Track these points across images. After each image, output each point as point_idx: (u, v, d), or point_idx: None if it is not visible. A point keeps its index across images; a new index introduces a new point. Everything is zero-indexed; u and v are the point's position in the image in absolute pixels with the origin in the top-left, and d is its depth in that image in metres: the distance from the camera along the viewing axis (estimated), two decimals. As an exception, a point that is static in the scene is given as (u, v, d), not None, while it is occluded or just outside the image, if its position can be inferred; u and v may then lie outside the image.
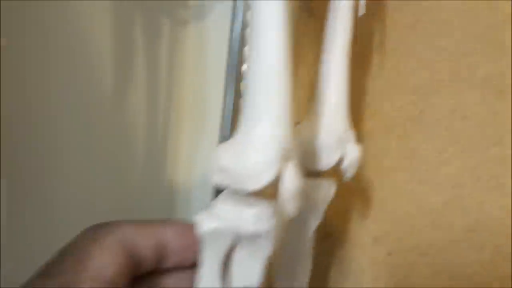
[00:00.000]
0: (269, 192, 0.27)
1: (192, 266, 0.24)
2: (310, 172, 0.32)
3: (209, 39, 0.45)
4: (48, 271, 0.20)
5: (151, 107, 0.42)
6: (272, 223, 0.24)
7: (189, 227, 0.24)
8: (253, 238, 0.24)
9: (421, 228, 0.41)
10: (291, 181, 0.23)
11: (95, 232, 0.22)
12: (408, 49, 0.39)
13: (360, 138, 0.34)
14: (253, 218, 0.24)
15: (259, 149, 0.23)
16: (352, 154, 0.31)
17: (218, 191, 0.26)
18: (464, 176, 0.39)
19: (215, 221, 0.24)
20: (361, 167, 0.34)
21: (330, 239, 0.43)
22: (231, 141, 0.24)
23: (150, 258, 0.23)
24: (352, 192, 0.42)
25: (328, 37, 0.33)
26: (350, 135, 0.32)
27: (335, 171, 0.33)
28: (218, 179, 0.24)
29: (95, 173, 0.39)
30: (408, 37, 0.39)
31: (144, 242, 0.22)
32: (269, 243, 0.24)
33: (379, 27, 0.40)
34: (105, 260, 0.21)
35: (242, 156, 0.23)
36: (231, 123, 0.43)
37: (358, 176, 0.38)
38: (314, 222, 0.32)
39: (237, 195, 0.25)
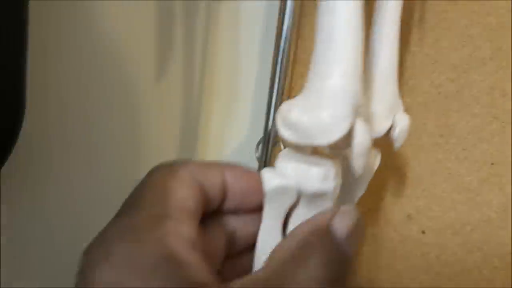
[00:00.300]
0: (330, 152, 0.26)
1: (249, 212, 0.24)
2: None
3: (245, 14, 0.44)
4: (134, 205, 0.19)
5: (187, 83, 0.41)
6: (337, 182, 0.24)
7: (249, 172, 0.24)
8: (316, 197, 0.24)
9: (456, 207, 0.41)
10: (363, 136, 0.22)
11: (170, 168, 0.21)
12: (449, 25, 0.39)
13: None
14: (319, 176, 0.23)
15: (331, 103, 0.22)
16: (402, 122, 0.31)
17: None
18: (502, 154, 0.39)
19: (281, 178, 0.23)
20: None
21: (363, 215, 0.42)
22: (298, 97, 0.24)
23: (216, 197, 0.22)
24: (387, 168, 0.42)
25: (378, 10, 0.32)
26: (400, 103, 0.32)
27: (380, 140, 0.33)
28: (285, 135, 0.23)
29: (129, 150, 0.38)
30: (450, 13, 0.39)
31: (212, 180, 0.22)
32: (330, 203, 0.24)
33: (420, 2, 0.40)
34: (186, 194, 0.20)
35: (313, 111, 0.22)
36: (267, 103, 0.42)
37: (394, 152, 0.37)
38: (359, 192, 0.32)
39: (301, 153, 0.24)
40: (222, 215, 0.24)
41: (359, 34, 0.23)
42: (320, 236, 0.20)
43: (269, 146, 0.41)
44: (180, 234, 0.19)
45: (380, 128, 0.30)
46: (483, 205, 0.40)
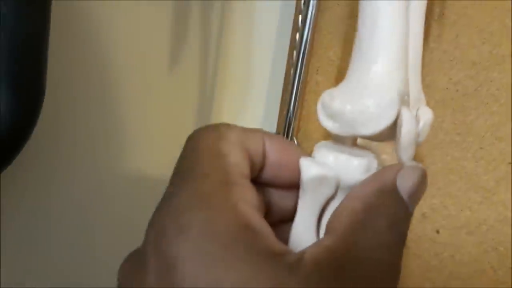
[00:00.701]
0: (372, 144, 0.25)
1: (284, 186, 0.23)
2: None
3: (261, 7, 0.43)
4: (194, 171, 0.18)
5: (197, 81, 0.40)
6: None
7: (289, 144, 0.22)
8: None
9: (472, 206, 0.40)
10: (410, 124, 0.21)
11: (219, 131, 0.20)
12: (469, 22, 0.38)
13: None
14: (361, 168, 0.22)
15: (376, 90, 0.21)
16: (426, 116, 0.30)
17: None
18: (520, 154, 0.39)
19: (321, 168, 0.22)
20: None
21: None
22: (340, 84, 0.23)
23: (258, 164, 0.21)
24: (403, 166, 0.41)
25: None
26: (423, 97, 0.31)
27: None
28: (328, 126, 0.22)
29: (141, 144, 0.37)
30: (469, 9, 0.38)
31: (255, 146, 0.21)
32: None
33: (440, -2, 0.39)
34: (240, 158, 0.19)
35: (357, 99, 0.21)
36: (281, 98, 0.41)
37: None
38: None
39: (340, 144, 0.23)
40: (258, 185, 0.22)
41: (404, 21, 0.23)
42: (386, 197, 0.19)
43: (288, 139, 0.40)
44: (249, 201, 0.17)
45: None
46: (499, 204, 0.39)
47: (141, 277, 0.16)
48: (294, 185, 0.22)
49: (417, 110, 0.31)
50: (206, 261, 0.15)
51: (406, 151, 0.21)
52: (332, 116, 0.22)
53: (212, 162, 0.18)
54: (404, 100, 0.22)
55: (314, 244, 0.18)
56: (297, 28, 0.40)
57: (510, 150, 0.38)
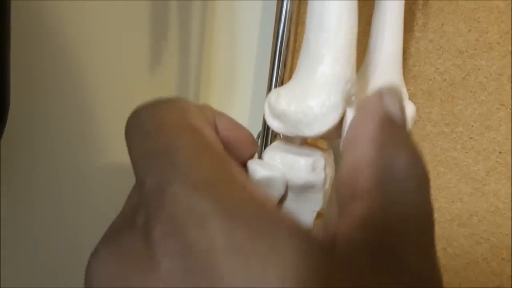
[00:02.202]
0: (320, 144, 0.25)
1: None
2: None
3: (242, 2, 0.43)
4: (174, 149, 0.15)
5: (182, 74, 0.40)
6: (327, 173, 0.23)
7: (236, 124, 0.20)
8: (305, 189, 0.23)
9: (463, 197, 0.40)
10: (354, 126, 0.21)
11: (176, 105, 0.17)
12: (454, 9, 0.37)
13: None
14: (306, 168, 0.22)
15: (320, 91, 0.21)
16: (408, 111, 0.30)
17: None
18: (511, 142, 0.37)
19: (268, 169, 0.22)
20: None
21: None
22: (287, 84, 0.23)
23: (223, 142, 0.19)
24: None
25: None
26: (405, 91, 0.31)
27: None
28: (273, 125, 0.22)
29: (123, 145, 0.37)
30: (455, -4, 0.37)
31: (222, 125, 0.19)
32: (321, 195, 0.23)
33: (424, -14, 0.38)
34: (212, 132, 0.17)
35: (301, 99, 0.21)
36: (266, 95, 0.41)
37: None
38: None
39: (289, 144, 0.23)
40: None
41: (353, 17, 0.22)
42: (391, 131, 0.16)
43: (269, 139, 0.40)
44: (247, 178, 0.16)
45: None
46: (491, 195, 0.38)
47: (146, 279, 0.14)
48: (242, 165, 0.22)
49: None
50: (241, 256, 0.13)
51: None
52: (278, 116, 0.22)
53: (193, 139, 0.16)
54: (350, 101, 0.22)
55: (342, 218, 0.15)
56: (279, 21, 0.40)
57: (500, 139, 0.37)
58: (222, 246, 0.13)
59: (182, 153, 0.15)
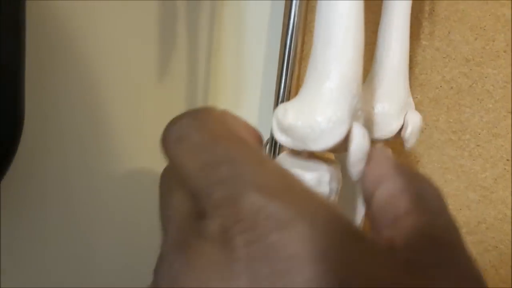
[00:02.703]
0: (328, 156, 0.25)
1: None
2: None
3: (250, 10, 0.43)
4: (236, 161, 0.16)
5: (190, 81, 0.41)
6: (333, 187, 0.23)
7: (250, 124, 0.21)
8: None
9: (470, 205, 0.40)
10: (361, 141, 0.21)
11: (222, 115, 0.18)
12: (461, 17, 0.38)
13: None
14: (312, 182, 0.22)
15: (327, 107, 0.21)
16: (414, 121, 0.30)
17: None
18: (518, 150, 0.38)
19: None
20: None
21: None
22: (294, 99, 0.23)
23: None
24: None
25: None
26: (410, 101, 0.31)
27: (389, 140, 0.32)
28: (281, 140, 0.23)
29: (132, 152, 0.38)
30: (461, 4, 0.37)
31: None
32: None
33: (430, -6, 0.39)
34: (257, 145, 0.18)
35: (308, 115, 0.22)
36: (274, 102, 0.41)
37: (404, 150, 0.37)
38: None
39: (296, 157, 0.24)
40: None
41: (360, 32, 0.22)
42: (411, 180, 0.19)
43: (277, 147, 0.41)
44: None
45: (391, 129, 0.29)
46: (499, 202, 0.39)
47: (231, 285, 0.14)
48: None
49: (405, 115, 0.31)
50: (323, 264, 0.14)
51: (354, 167, 0.21)
52: (285, 130, 0.22)
53: (249, 150, 0.16)
54: (357, 115, 0.22)
55: (393, 231, 0.17)
56: (287, 29, 0.41)
57: (508, 147, 0.38)
58: (305, 252, 0.14)
59: (246, 163, 0.15)
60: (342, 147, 0.22)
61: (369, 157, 0.21)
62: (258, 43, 0.43)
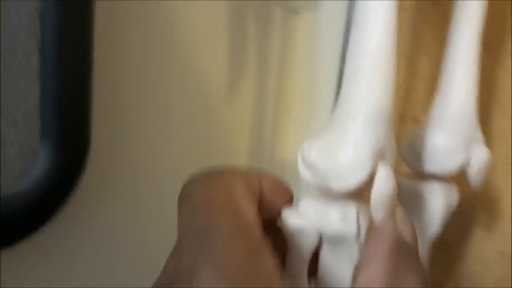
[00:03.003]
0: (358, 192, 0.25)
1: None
2: (428, 175, 0.28)
3: (322, 29, 0.43)
4: (213, 231, 0.16)
5: (261, 99, 0.41)
6: (359, 225, 0.22)
7: (280, 185, 0.22)
8: (338, 240, 0.22)
9: None
10: (383, 184, 0.20)
11: (225, 179, 0.19)
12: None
13: (488, 139, 0.30)
14: (337, 219, 0.22)
15: (351, 147, 0.21)
16: (480, 157, 0.27)
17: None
18: None
19: (299, 218, 0.22)
20: (490, 172, 0.30)
21: (447, 250, 0.39)
22: (321, 135, 0.23)
23: (267, 200, 0.21)
24: (478, 199, 0.37)
25: (454, 24, 0.29)
26: (479, 135, 0.28)
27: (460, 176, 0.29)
28: (305, 175, 0.22)
29: (207, 159, 0.39)
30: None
31: (256, 190, 0.20)
32: (355, 247, 0.22)
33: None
34: (253, 212, 0.18)
35: (332, 153, 0.21)
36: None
37: (485, 182, 0.33)
38: (430, 231, 0.29)
39: (324, 192, 0.23)
40: None
41: (391, 65, 0.21)
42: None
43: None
44: (275, 268, 0.17)
45: (449, 164, 0.27)
46: None
47: None
48: None
49: (471, 151, 0.28)
50: None
51: (376, 211, 0.20)
52: (308, 166, 0.22)
53: (234, 222, 0.17)
54: (383, 156, 0.21)
55: None
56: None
57: None
58: None
59: (220, 236, 0.16)
60: (366, 187, 0.21)
61: (370, 231, 0.21)
62: (331, 65, 0.42)
